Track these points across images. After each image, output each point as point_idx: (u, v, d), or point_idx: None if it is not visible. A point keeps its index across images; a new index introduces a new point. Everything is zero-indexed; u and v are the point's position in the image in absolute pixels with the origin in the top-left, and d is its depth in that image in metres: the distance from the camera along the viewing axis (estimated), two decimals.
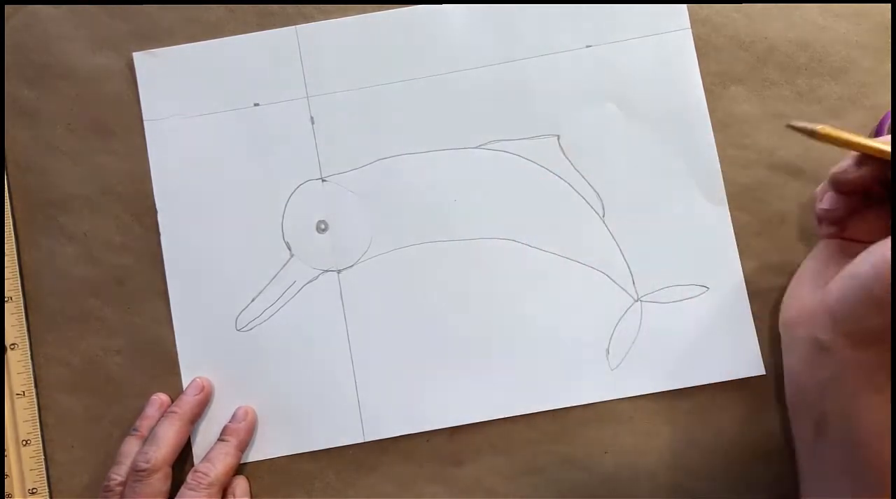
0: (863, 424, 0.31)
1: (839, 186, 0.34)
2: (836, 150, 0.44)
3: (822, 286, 0.34)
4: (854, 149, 0.34)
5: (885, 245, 0.30)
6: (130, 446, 0.41)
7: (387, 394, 0.43)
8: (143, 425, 0.42)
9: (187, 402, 0.42)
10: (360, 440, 0.43)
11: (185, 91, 0.45)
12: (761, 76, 0.44)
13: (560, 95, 0.44)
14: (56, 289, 0.44)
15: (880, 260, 0.29)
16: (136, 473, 0.39)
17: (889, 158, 0.32)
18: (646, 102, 0.44)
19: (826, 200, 0.35)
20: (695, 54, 0.44)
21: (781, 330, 0.38)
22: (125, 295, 0.44)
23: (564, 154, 0.44)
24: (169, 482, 0.40)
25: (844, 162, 0.34)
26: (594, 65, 0.45)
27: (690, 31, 0.45)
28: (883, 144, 0.32)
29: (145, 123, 0.45)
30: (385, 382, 0.43)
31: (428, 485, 0.43)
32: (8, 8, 0.45)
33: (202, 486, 0.39)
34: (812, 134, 0.34)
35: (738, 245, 0.43)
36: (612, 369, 0.43)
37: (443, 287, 0.43)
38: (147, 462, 0.39)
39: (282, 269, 0.44)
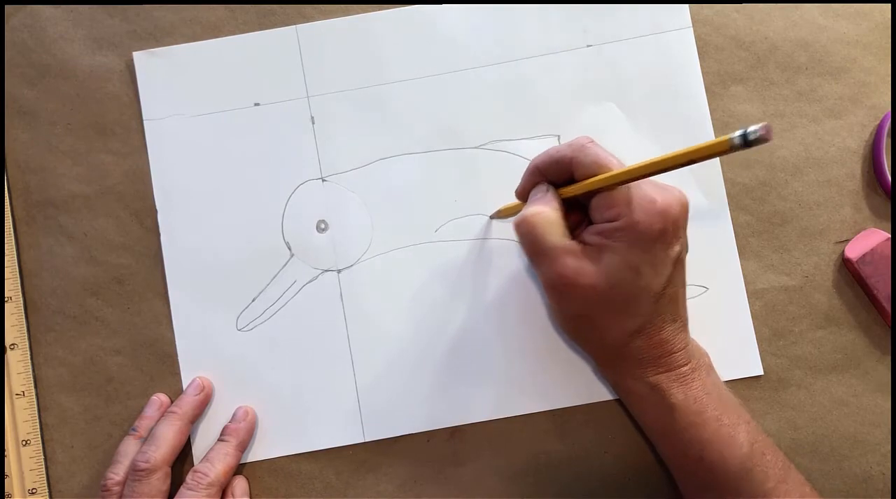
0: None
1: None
2: (837, 149, 0.44)
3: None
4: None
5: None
6: (128, 446, 0.41)
7: (387, 394, 0.43)
8: (142, 425, 0.42)
9: (187, 402, 0.42)
10: (360, 440, 0.43)
11: (184, 91, 0.45)
12: (761, 76, 0.44)
13: (560, 95, 0.44)
14: (56, 289, 0.44)
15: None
16: (136, 472, 0.39)
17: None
18: (646, 102, 0.44)
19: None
20: (696, 54, 0.44)
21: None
22: (125, 295, 0.44)
23: None
24: (168, 482, 0.40)
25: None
26: (594, 64, 0.44)
27: (691, 30, 0.45)
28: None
29: (145, 123, 0.45)
30: (385, 382, 0.43)
31: (428, 485, 0.43)
32: (8, 8, 0.45)
33: (201, 486, 0.39)
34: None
35: (738, 245, 0.43)
36: None
37: (443, 287, 0.43)
38: (146, 462, 0.39)
39: (282, 269, 0.44)
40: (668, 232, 0.35)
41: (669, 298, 0.37)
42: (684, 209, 0.37)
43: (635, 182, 0.36)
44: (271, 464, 0.43)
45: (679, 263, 0.37)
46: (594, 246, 0.36)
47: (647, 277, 0.35)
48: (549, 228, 0.36)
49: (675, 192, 0.37)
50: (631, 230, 0.35)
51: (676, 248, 0.36)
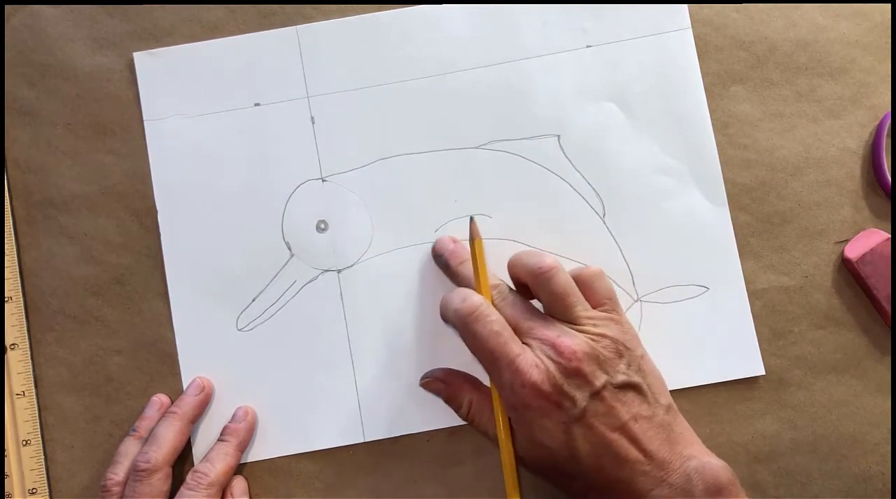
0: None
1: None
2: (837, 148, 0.44)
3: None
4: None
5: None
6: (128, 446, 0.41)
7: (387, 394, 0.43)
8: (142, 425, 0.42)
9: (188, 402, 0.42)
10: (360, 440, 0.43)
11: (185, 91, 0.45)
12: (761, 76, 0.44)
13: (560, 95, 0.44)
14: (56, 289, 0.44)
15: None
16: (137, 473, 0.39)
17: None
18: (646, 102, 0.44)
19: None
20: (695, 54, 0.44)
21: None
22: (125, 295, 0.44)
23: (565, 154, 0.44)
24: (169, 482, 0.40)
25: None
26: (594, 65, 0.45)
27: (691, 30, 0.45)
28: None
29: (145, 123, 0.45)
30: (385, 382, 0.43)
31: (428, 485, 0.43)
32: (8, 8, 0.45)
33: (202, 486, 0.39)
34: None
35: (738, 245, 0.43)
36: None
37: (443, 287, 0.43)
38: (147, 462, 0.39)
39: (282, 269, 0.44)
40: (533, 405, 0.35)
41: (598, 453, 0.35)
42: (571, 371, 0.35)
43: (530, 334, 0.36)
44: (271, 464, 0.43)
45: (580, 422, 0.35)
46: None
47: (548, 441, 0.35)
48: None
49: (565, 347, 0.35)
50: (505, 401, 0.36)
51: (555, 415, 0.35)
